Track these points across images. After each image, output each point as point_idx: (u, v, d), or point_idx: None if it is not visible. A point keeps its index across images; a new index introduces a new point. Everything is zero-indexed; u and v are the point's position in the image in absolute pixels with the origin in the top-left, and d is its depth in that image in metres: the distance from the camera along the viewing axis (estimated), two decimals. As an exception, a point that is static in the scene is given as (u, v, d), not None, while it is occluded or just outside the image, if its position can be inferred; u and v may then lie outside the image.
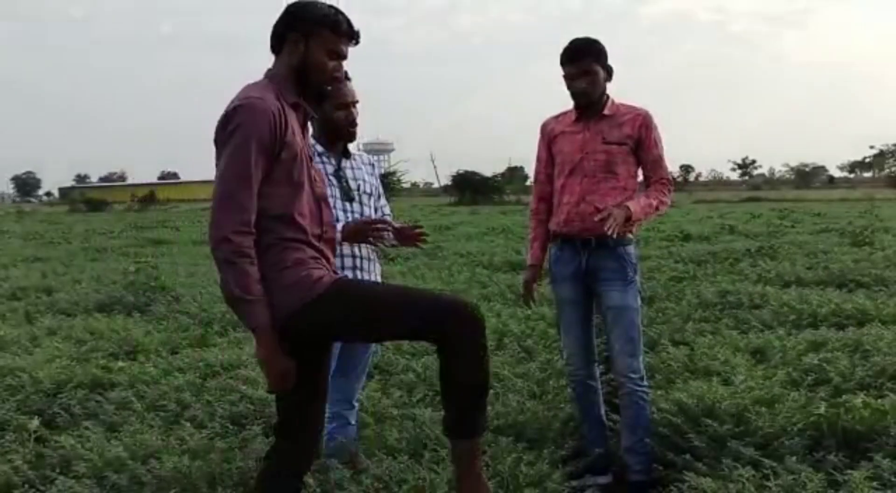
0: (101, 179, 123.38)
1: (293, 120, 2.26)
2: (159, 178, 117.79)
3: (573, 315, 3.41)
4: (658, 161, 3.34)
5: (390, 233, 2.99)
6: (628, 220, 3.07)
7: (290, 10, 2.30)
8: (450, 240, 13.66)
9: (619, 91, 3.37)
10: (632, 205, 3.12)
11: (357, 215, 3.09)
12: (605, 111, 3.28)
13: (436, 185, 72.17)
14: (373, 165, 3.32)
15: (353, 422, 3.36)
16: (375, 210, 3.23)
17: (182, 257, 11.45)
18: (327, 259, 2.34)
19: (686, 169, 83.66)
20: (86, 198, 52.52)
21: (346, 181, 3.11)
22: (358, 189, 3.14)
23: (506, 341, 5.27)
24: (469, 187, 43.29)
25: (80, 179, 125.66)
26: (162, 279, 8.34)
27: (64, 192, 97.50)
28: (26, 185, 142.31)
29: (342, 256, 3.00)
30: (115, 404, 4.15)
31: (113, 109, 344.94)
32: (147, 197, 53.27)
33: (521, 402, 3.97)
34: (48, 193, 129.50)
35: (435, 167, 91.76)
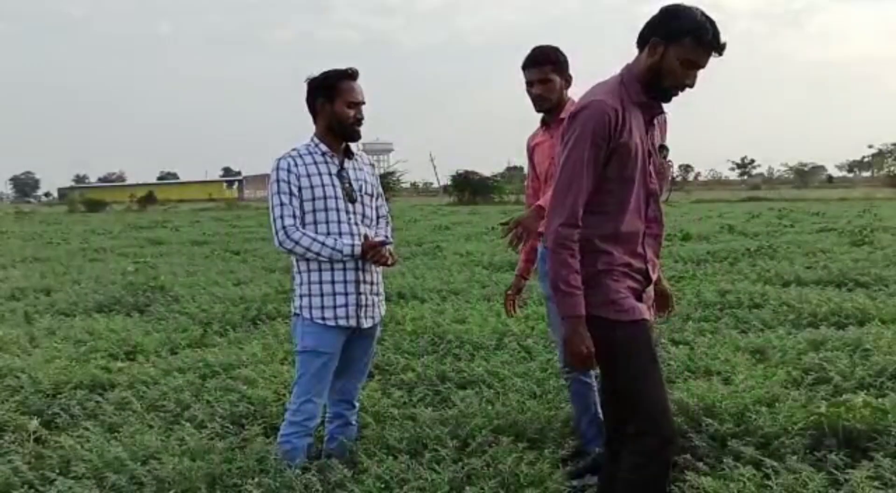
0: (100, 180, 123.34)
1: (635, 119, 2.40)
2: (158, 178, 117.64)
3: (554, 310, 3.41)
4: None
5: (390, 251, 3.22)
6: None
7: (662, 13, 2.39)
8: (449, 240, 13.67)
9: None
10: (544, 201, 3.08)
11: (359, 216, 3.13)
12: (563, 114, 3.26)
13: (435, 185, 72.11)
14: (373, 166, 3.35)
15: (353, 422, 3.37)
16: (375, 210, 3.26)
17: (181, 258, 11.43)
18: (639, 263, 2.49)
19: (685, 169, 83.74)
20: (85, 198, 52.46)
21: (349, 182, 3.13)
22: (360, 190, 3.16)
23: (506, 341, 5.26)
24: (468, 187, 43.27)
25: (79, 179, 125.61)
26: (161, 280, 8.34)
27: (63, 192, 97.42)
28: (25, 185, 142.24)
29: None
30: (114, 404, 4.14)
31: (112, 109, 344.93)
32: (146, 197, 53.26)
33: (521, 401, 3.97)
34: (47, 194, 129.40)
35: (434, 167, 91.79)
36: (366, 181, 3.21)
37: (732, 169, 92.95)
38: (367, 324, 3.18)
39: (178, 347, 5.58)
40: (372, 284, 3.19)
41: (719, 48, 2.37)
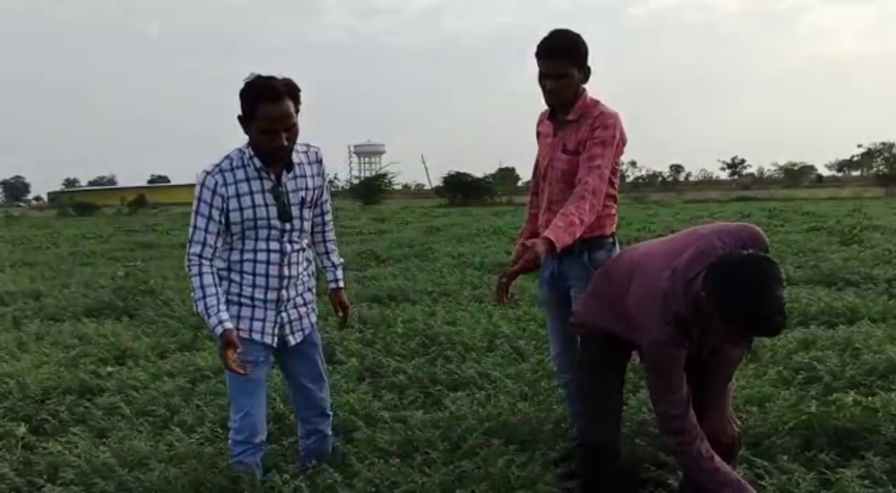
0: (91, 183, 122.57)
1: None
2: (149, 181, 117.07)
3: (553, 316, 3.36)
4: (591, 159, 2.98)
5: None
6: (553, 249, 2.81)
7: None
8: (441, 241, 13.65)
9: (608, 91, 3.23)
10: (552, 234, 2.80)
11: (295, 233, 2.88)
12: (570, 116, 3.06)
13: (427, 186, 72.10)
14: (320, 162, 2.96)
15: (329, 433, 3.25)
16: (320, 216, 3.05)
17: (171, 261, 11.37)
18: None
19: (676, 169, 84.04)
20: (75, 202, 52.14)
21: (286, 197, 2.82)
22: (300, 203, 2.87)
23: (497, 342, 5.25)
24: (460, 189, 43.16)
25: (70, 183, 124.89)
26: (151, 283, 8.30)
27: (53, 196, 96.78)
28: (15, 189, 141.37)
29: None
30: (103, 409, 4.12)
31: (101, 112, 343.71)
32: (137, 201, 52.97)
33: (512, 403, 3.96)
34: (37, 198, 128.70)
35: (426, 169, 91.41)
36: (307, 189, 2.89)
37: (723, 169, 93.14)
38: (294, 340, 2.97)
39: (168, 351, 5.55)
40: (296, 297, 2.95)
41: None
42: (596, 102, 3.09)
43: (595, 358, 2.85)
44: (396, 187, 58.05)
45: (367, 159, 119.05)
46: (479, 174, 46.07)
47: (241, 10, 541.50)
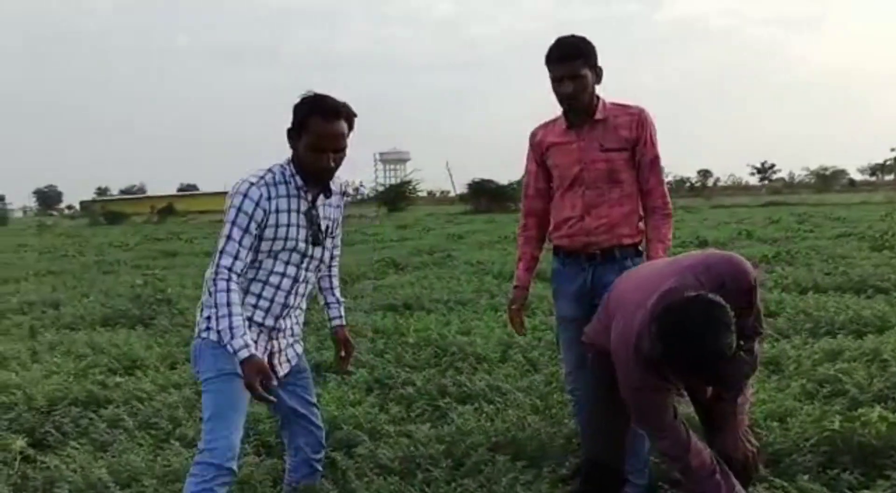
0: (122, 192, 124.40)
1: None
2: (178, 190, 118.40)
3: (576, 333, 3.09)
4: (655, 164, 3.06)
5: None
6: None
7: None
8: (461, 249, 13.56)
9: (634, 97, 3.13)
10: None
11: (315, 261, 2.76)
12: (598, 115, 3.01)
13: (452, 193, 72.05)
14: (344, 194, 2.90)
15: (320, 469, 2.99)
16: (331, 250, 2.90)
17: (192, 270, 11.39)
18: None
19: (704, 174, 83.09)
20: (106, 211, 52.87)
21: (318, 222, 2.71)
22: (326, 230, 2.77)
23: (511, 353, 5.13)
24: (484, 195, 43.09)
25: (101, 191, 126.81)
26: (167, 292, 8.29)
27: (85, 205, 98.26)
28: (48, 198, 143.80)
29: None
30: (107, 421, 4.07)
31: (132, 122, 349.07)
32: (166, 209, 53.56)
33: (521, 417, 3.84)
34: (69, 207, 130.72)
35: (451, 176, 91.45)
36: (332, 219, 2.80)
37: (752, 174, 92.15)
38: (282, 371, 2.77)
39: (178, 361, 5.49)
40: (290, 327, 2.81)
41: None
42: (615, 102, 3.07)
43: (603, 377, 2.72)
44: (421, 194, 58.15)
45: (392, 167, 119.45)
46: (503, 181, 45.84)
47: (265, 19, 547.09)
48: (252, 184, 2.53)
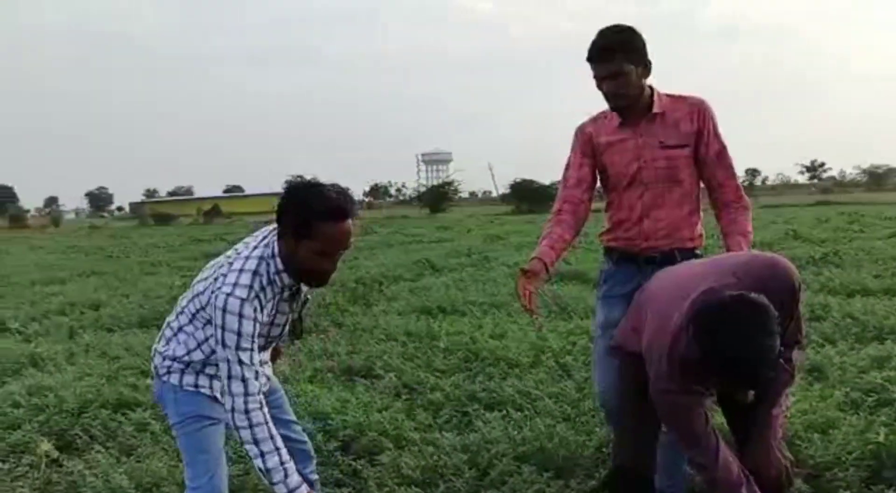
0: (169, 194, 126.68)
1: None
2: (224, 191, 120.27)
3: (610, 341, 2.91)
4: (722, 156, 2.82)
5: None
6: None
7: None
8: (499, 250, 13.43)
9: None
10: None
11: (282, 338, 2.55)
12: (656, 109, 2.78)
13: (494, 194, 71.86)
14: None
15: (316, 477, 2.80)
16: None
17: (231, 271, 11.47)
18: None
19: (752, 173, 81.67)
20: (154, 212, 54.03)
21: (300, 310, 2.50)
22: (304, 304, 2.54)
23: (543, 358, 5.02)
24: (526, 196, 42.88)
25: (150, 193, 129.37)
26: (205, 294, 8.33)
27: (134, 206, 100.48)
28: (99, 200, 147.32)
29: None
30: (134, 425, 4.06)
31: (179, 124, 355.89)
32: (212, 211, 54.45)
33: (550, 425, 3.73)
34: (119, 208, 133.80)
35: (493, 176, 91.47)
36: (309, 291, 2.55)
37: (802, 172, 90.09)
38: None
39: (210, 363, 5.49)
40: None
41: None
42: (671, 95, 2.86)
43: (631, 381, 2.61)
44: (463, 195, 58.12)
45: (434, 167, 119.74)
46: (546, 181, 45.52)
47: (306, 22, 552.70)
48: (243, 300, 2.22)
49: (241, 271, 2.24)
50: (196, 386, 2.45)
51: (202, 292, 2.34)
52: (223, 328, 2.21)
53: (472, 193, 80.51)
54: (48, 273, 12.96)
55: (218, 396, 2.47)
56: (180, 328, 2.44)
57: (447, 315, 6.81)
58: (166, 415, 2.57)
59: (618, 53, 2.68)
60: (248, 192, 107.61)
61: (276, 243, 2.29)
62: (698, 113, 2.80)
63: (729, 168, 2.86)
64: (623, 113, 2.82)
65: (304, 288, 2.45)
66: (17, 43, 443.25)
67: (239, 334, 2.21)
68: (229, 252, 2.42)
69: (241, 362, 2.22)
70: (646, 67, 2.75)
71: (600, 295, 3.00)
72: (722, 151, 2.84)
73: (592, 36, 2.74)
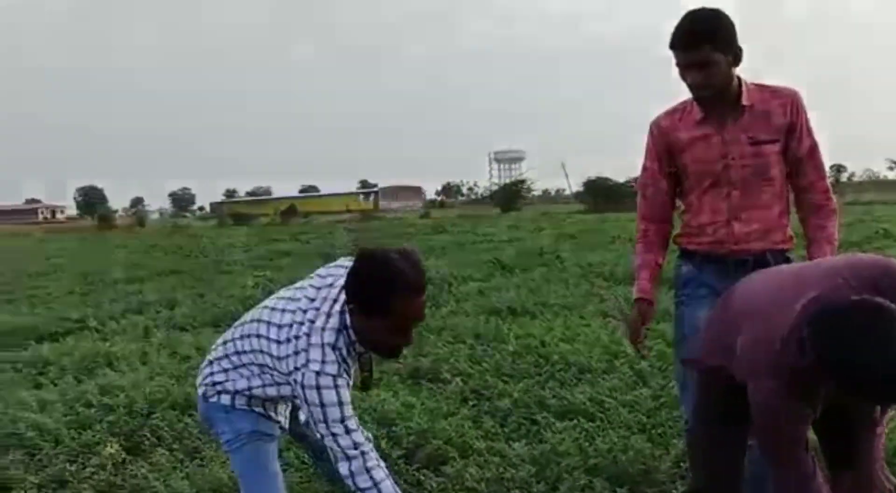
0: (248, 194, 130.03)
1: None
2: (300, 191, 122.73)
3: None
4: (814, 153, 2.61)
5: None
6: None
7: None
8: (572, 250, 13.15)
9: None
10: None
11: None
12: (745, 101, 2.55)
13: (567, 192, 71.08)
14: None
15: None
16: None
17: (301, 271, 11.57)
18: None
19: (837, 169, 78.41)
20: (233, 212, 55.40)
21: (370, 366, 2.43)
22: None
23: (617, 364, 4.81)
24: (600, 194, 42.19)
25: (229, 194, 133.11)
26: (275, 294, 8.38)
27: (214, 207, 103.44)
28: (182, 200, 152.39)
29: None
30: (200, 426, 4.03)
31: (258, 126, 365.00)
32: (288, 210, 55.49)
33: (624, 437, 3.54)
34: (201, 208, 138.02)
35: (566, 174, 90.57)
36: None
37: (891, 168, 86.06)
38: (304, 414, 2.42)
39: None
40: None
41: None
42: (761, 85, 2.62)
43: (712, 398, 2.40)
44: (536, 193, 57.68)
45: (507, 166, 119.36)
46: (620, 179, 44.73)
47: (389, 24, 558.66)
48: (334, 376, 2.15)
49: (322, 346, 2.16)
50: (249, 405, 2.40)
51: (277, 357, 2.23)
52: (323, 405, 2.13)
53: (545, 192, 79.84)
54: (130, 272, 13.33)
55: (272, 414, 2.44)
56: (243, 365, 2.36)
57: (517, 317, 6.65)
58: (216, 435, 2.50)
59: (705, 41, 2.44)
60: (323, 192, 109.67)
61: (347, 314, 2.20)
62: (791, 105, 2.57)
63: (820, 167, 2.65)
64: (707, 105, 2.58)
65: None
66: (107, 49, 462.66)
67: (340, 403, 2.15)
68: (300, 299, 2.29)
69: (348, 431, 2.15)
70: (736, 56, 2.51)
71: (682, 299, 2.76)
72: (814, 148, 2.62)
73: (670, 29, 2.50)
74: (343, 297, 2.22)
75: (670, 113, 2.71)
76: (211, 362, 2.45)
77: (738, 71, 2.55)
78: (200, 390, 2.44)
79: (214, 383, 2.40)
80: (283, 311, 2.29)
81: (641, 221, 2.81)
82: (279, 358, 2.23)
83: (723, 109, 2.57)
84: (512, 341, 5.46)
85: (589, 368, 4.75)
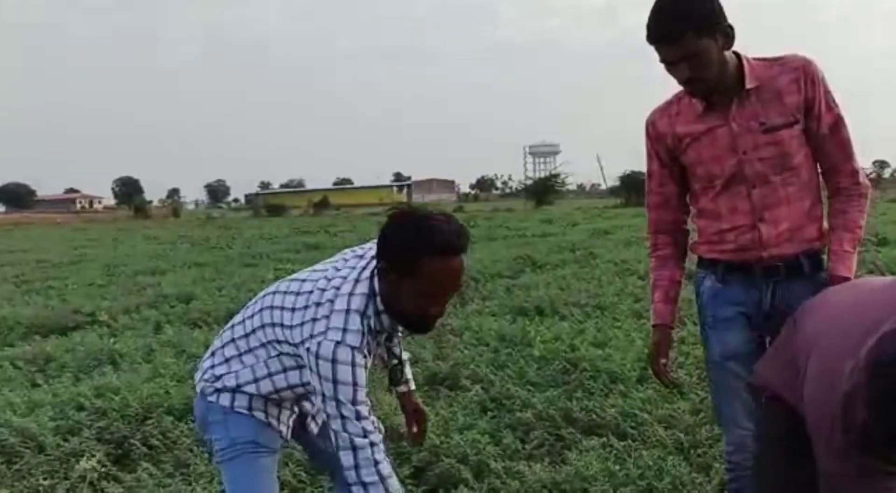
0: (282, 186, 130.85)
1: None
2: (334, 184, 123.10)
3: (746, 374, 2.20)
4: (837, 129, 2.20)
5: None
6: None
7: None
8: (606, 246, 12.68)
9: None
10: (843, 268, 2.15)
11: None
12: (748, 83, 2.17)
13: (602, 186, 70.24)
14: None
15: None
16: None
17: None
18: None
19: (880, 164, 76.49)
20: (267, 204, 55.68)
21: (398, 354, 2.30)
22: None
23: (650, 373, 4.38)
24: (636, 188, 41.39)
25: (264, 185, 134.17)
26: (294, 288, 8.08)
27: (248, 198, 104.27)
28: (217, 192, 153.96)
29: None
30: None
31: (294, 121, 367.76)
32: (321, 202, 55.61)
33: (660, 458, 3.14)
34: (235, 200, 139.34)
35: (601, 168, 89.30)
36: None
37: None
38: (315, 425, 2.30)
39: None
40: None
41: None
42: (764, 59, 2.21)
43: (779, 430, 1.96)
44: (570, 188, 57.00)
45: (541, 159, 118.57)
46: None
47: (423, 20, 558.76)
48: (354, 348, 1.91)
49: (347, 312, 1.91)
50: (250, 409, 2.09)
51: (290, 326, 1.96)
52: (336, 382, 1.88)
53: (580, 186, 79.06)
54: (153, 263, 13.17)
55: (273, 422, 2.13)
56: (249, 350, 2.07)
57: (545, 318, 6.24)
58: (209, 442, 2.17)
59: (686, 30, 2.05)
60: (357, 184, 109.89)
61: (377, 279, 1.96)
62: (804, 77, 2.16)
63: (846, 145, 2.22)
64: (711, 98, 2.21)
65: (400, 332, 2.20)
66: (150, 47, 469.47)
67: (355, 385, 1.90)
68: (326, 269, 2.05)
69: (359, 417, 1.90)
70: (727, 36, 2.11)
71: (707, 321, 2.36)
72: (837, 122, 2.20)
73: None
74: (374, 264, 1.98)
75: (665, 108, 2.35)
76: (213, 353, 2.16)
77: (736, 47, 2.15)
78: (199, 387, 2.16)
79: (214, 378, 2.11)
80: (305, 280, 2.04)
81: (652, 235, 2.48)
82: (292, 327, 1.96)
83: (725, 96, 2.19)
84: (538, 344, 5.06)
85: (621, 376, 4.33)
